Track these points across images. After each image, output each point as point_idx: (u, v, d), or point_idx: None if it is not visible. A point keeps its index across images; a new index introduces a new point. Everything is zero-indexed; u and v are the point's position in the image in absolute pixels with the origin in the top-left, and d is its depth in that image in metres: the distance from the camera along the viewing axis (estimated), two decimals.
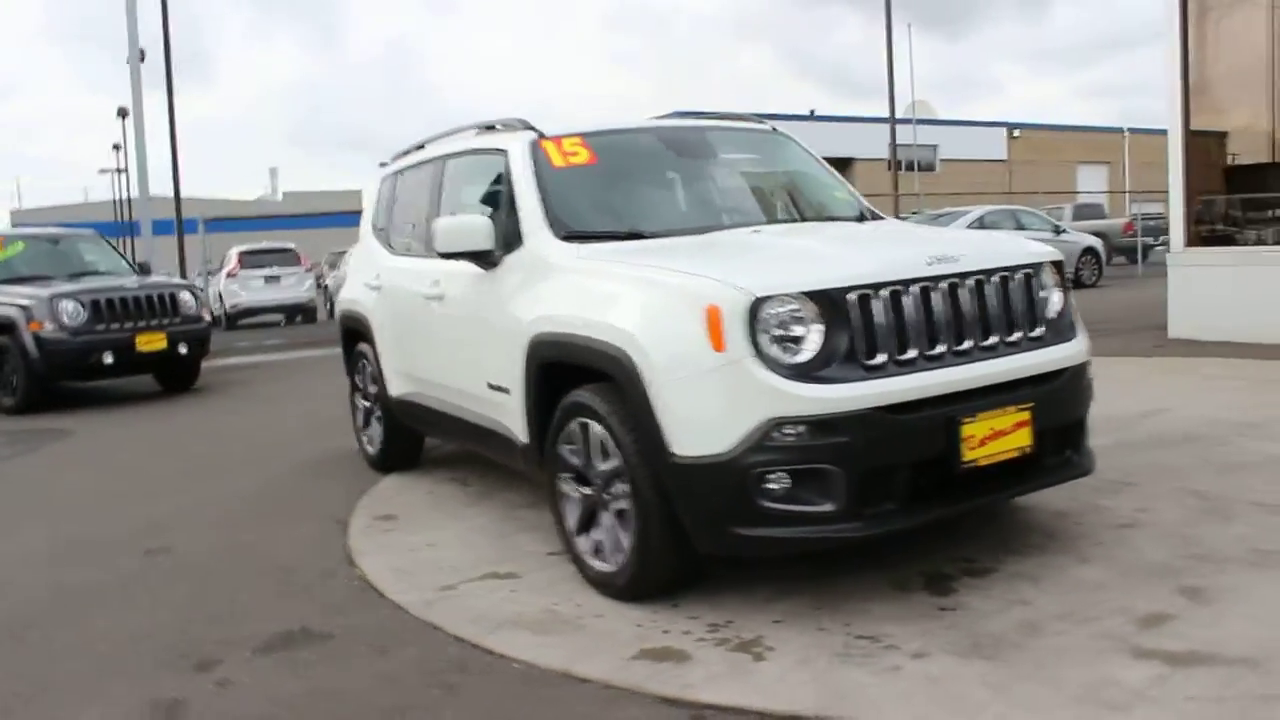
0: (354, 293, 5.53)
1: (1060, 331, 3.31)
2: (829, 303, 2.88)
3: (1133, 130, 39.97)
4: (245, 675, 2.92)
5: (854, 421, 2.80)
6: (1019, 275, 3.22)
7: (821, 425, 2.79)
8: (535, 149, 3.96)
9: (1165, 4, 8.41)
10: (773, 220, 4.06)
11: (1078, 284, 15.90)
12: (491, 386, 3.94)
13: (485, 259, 3.90)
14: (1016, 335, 3.16)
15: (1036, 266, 3.29)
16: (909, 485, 2.91)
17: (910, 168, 32.52)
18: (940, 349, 3.00)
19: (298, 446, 6.38)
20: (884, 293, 2.94)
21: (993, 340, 3.10)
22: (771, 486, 2.82)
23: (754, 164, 4.43)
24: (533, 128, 4.11)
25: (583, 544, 3.43)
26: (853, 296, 2.90)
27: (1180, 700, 2.36)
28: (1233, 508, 3.73)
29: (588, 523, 3.40)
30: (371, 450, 5.55)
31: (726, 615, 3.06)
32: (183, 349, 9.16)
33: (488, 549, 3.97)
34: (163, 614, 3.47)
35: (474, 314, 4.06)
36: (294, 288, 18.60)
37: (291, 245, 19.56)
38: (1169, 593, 2.99)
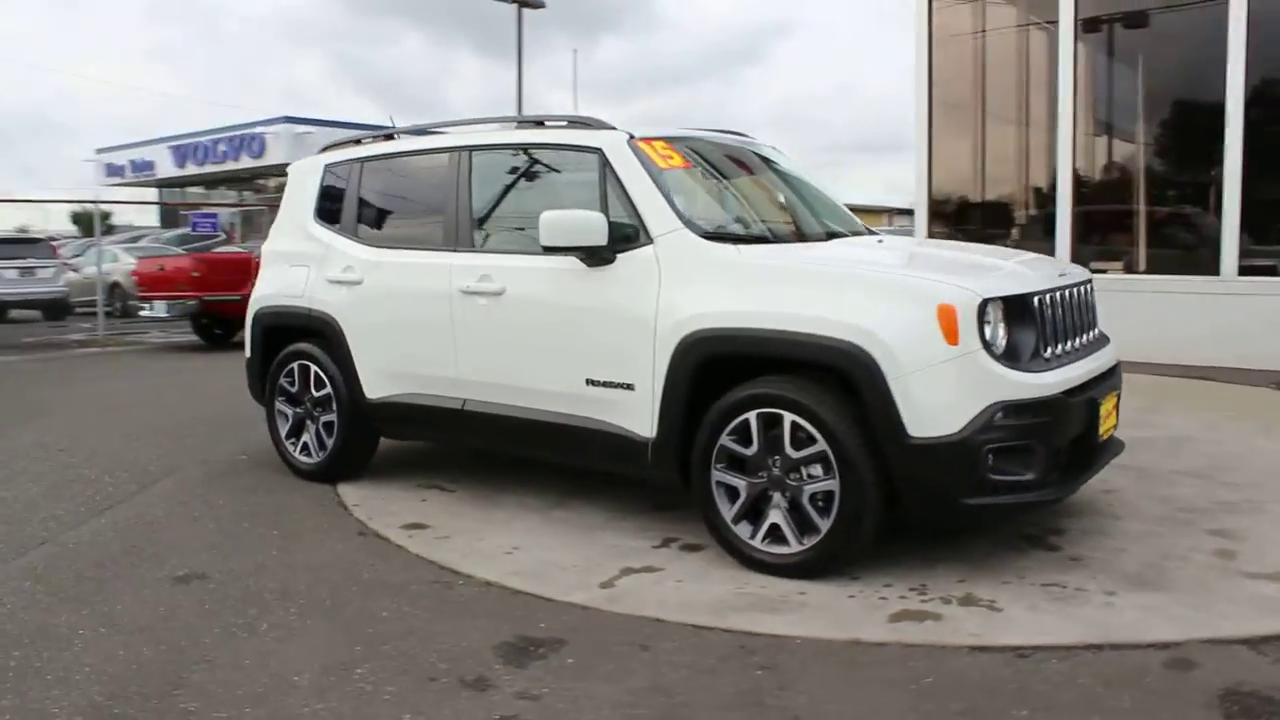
0: (301, 289, 4.99)
1: (1104, 333, 4.15)
2: (1020, 306, 3.42)
3: None
4: (550, 692, 2.75)
5: (1051, 404, 3.36)
6: (1090, 285, 4.00)
7: (1031, 407, 3.30)
8: (636, 149, 4.02)
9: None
10: (841, 231, 4.47)
11: None
12: (596, 383, 3.93)
13: (596, 254, 3.89)
14: (1096, 333, 3.93)
15: (1091, 279, 4.10)
16: (1068, 457, 3.53)
17: None
18: (1074, 343, 3.67)
19: (187, 454, 5.53)
20: (1047, 298, 3.54)
21: (1091, 336, 3.84)
22: (991, 461, 3.28)
23: (794, 176, 4.80)
24: (612, 126, 4.15)
25: (744, 530, 3.61)
26: (1033, 301, 3.47)
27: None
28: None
29: (749, 510, 3.59)
30: (310, 459, 5.05)
31: (912, 582, 3.45)
32: None
33: (585, 548, 3.93)
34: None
35: (571, 309, 3.99)
36: (51, 281, 15.71)
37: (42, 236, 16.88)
38: (1201, 532, 3.91)
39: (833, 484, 3.39)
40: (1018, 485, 3.34)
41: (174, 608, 3.36)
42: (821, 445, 3.39)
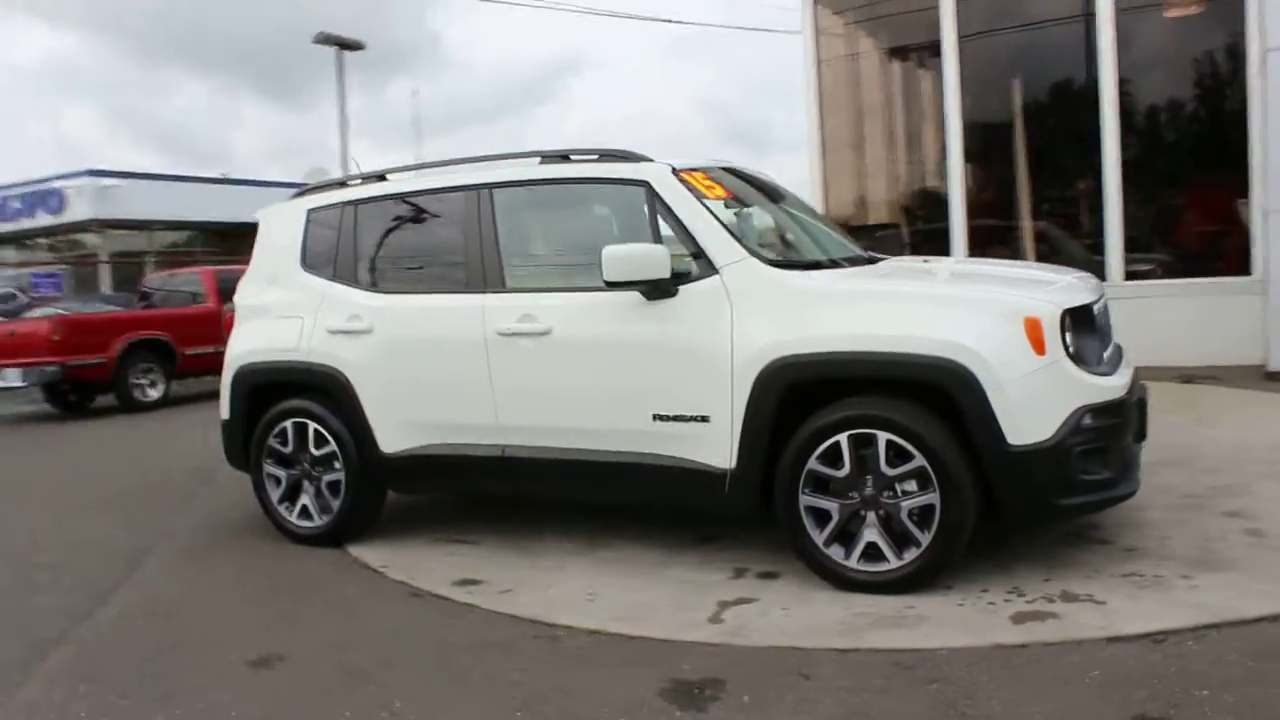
0: (295, 342, 4.67)
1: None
2: (1085, 316, 3.65)
3: None
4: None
5: (1121, 405, 3.59)
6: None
7: (1107, 409, 3.52)
8: (683, 180, 4.02)
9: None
10: (862, 254, 4.61)
11: None
12: (665, 418, 3.89)
13: (658, 288, 3.86)
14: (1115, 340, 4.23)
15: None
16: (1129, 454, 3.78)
17: None
18: (1111, 349, 3.94)
19: (145, 528, 5.02)
20: (1096, 309, 3.79)
21: (1115, 343, 4.13)
22: (1079, 462, 3.47)
23: (797, 201, 4.92)
24: (649, 158, 4.15)
25: (836, 553, 3.65)
26: (1093, 310, 3.71)
27: None
28: None
29: (840, 532, 3.64)
30: (311, 523, 4.73)
31: (1005, 586, 3.58)
32: None
33: (661, 586, 3.86)
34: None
35: (632, 345, 3.93)
36: None
37: None
38: (1218, 514, 4.26)
39: (932, 497, 3.48)
40: (1099, 484, 3.54)
41: (277, 695, 3.06)
42: (919, 461, 3.48)
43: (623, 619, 3.55)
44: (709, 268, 3.86)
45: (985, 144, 9.97)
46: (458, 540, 4.69)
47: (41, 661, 3.44)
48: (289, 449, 4.76)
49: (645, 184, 4.03)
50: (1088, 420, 3.47)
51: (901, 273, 4.13)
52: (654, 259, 3.79)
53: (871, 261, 4.41)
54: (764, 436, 3.71)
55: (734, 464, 3.79)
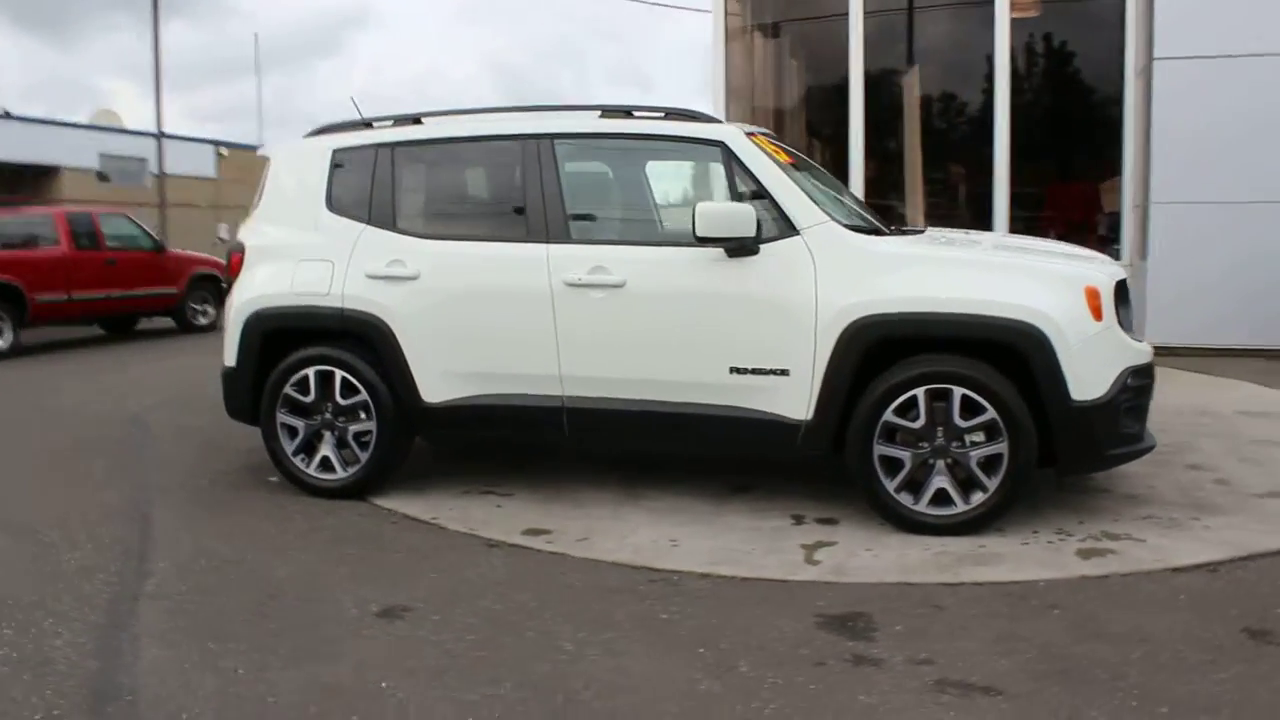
0: (327, 286, 4.46)
1: None
2: (1123, 288, 4.08)
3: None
4: (936, 653, 2.91)
5: (1151, 368, 4.06)
6: None
7: (1143, 370, 3.98)
8: (755, 143, 4.16)
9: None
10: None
11: None
12: (743, 371, 4.04)
13: (742, 246, 3.99)
14: None
15: None
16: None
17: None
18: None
19: (132, 490, 4.65)
20: (1127, 282, 4.25)
21: None
22: (1123, 418, 3.91)
23: (822, 174, 5.12)
24: (715, 118, 4.25)
25: (906, 499, 3.94)
26: (1125, 283, 4.14)
27: None
28: None
29: (910, 480, 3.93)
30: (334, 475, 4.58)
31: (1051, 528, 3.98)
32: None
33: (733, 532, 4.03)
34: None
35: (713, 300, 4.05)
36: None
37: None
38: (1183, 467, 4.87)
39: (1001, 447, 3.83)
40: (1134, 437, 4.01)
41: (440, 645, 3.00)
42: (991, 414, 3.82)
43: (723, 563, 3.69)
44: (789, 228, 4.03)
45: (883, 130, 10.57)
46: (489, 492, 4.66)
47: (135, 620, 3.20)
48: (309, 398, 4.55)
49: (721, 144, 4.15)
50: (1131, 380, 3.91)
51: (959, 242, 4.44)
52: (744, 217, 3.92)
53: (915, 231, 4.70)
54: (843, 390, 3.94)
55: (810, 415, 3.99)
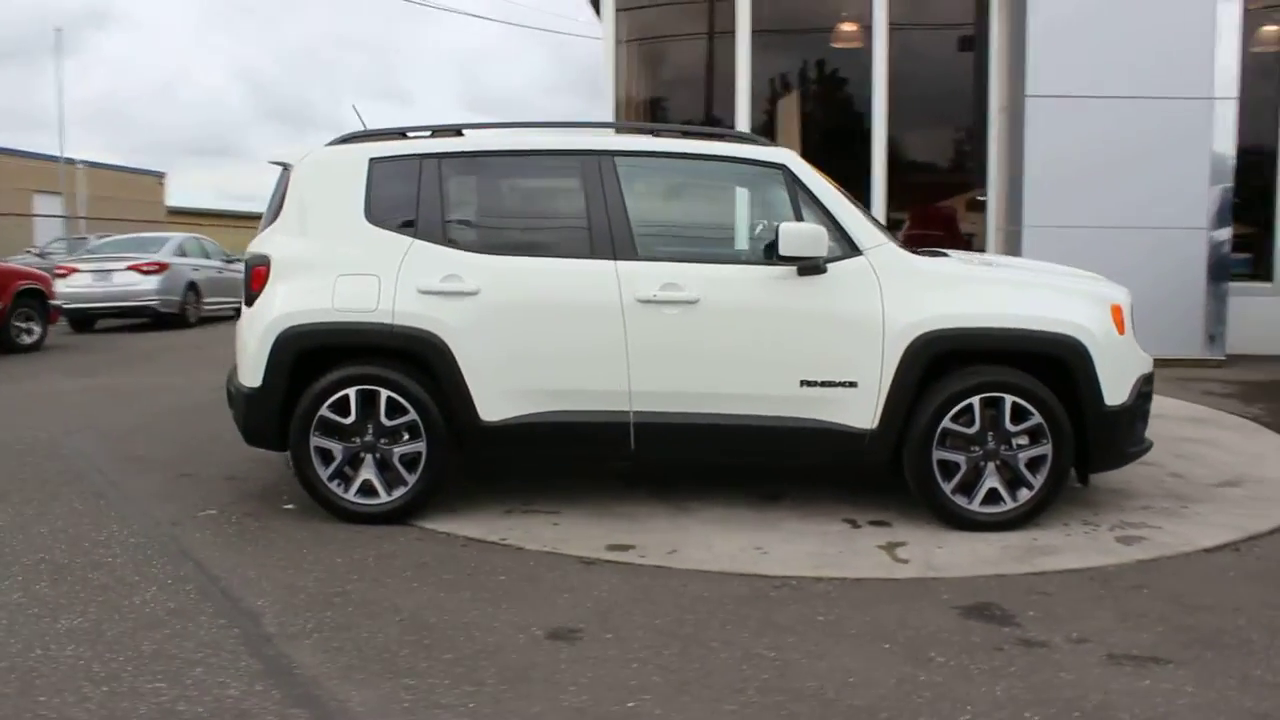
0: (374, 302, 4.27)
1: None
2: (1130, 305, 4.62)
3: (85, 163, 38.55)
4: (1076, 638, 3.19)
5: (1153, 375, 4.61)
6: None
7: (1150, 378, 4.52)
8: (810, 167, 4.39)
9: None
10: None
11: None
12: (813, 384, 4.25)
13: (815, 265, 4.20)
14: None
15: None
16: None
17: None
18: None
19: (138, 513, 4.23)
20: None
21: None
22: (1137, 421, 4.43)
23: None
24: (769, 141, 4.46)
25: (961, 499, 4.29)
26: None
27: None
28: None
29: (963, 482, 4.28)
30: (377, 500, 4.40)
31: (1075, 520, 4.45)
32: None
33: (802, 538, 4.23)
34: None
35: (785, 315, 4.24)
36: None
37: None
38: (1138, 465, 5.52)
39: (1045, 449, 4.24)
40: (1141, 438, 4.55)
41: (649, 664, 3.00)
42: (1037, 419, 4.23)
43: (824, 566, 3.88)
44: (851, 249, 4.29)
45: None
46: (531, 510, 4.61)
47: (295, 662, 2.98)
48: (349, 420, 4.34)
49: (784, 167, 4.35)
50: (1143, 387, 4.44)
51: (995, 264, 4.85)
52: (819, 238, 4.15)
53: (941, 252, 5.08)
54: (907, 400, 4.24)
55: (876, 424, 4.26)
